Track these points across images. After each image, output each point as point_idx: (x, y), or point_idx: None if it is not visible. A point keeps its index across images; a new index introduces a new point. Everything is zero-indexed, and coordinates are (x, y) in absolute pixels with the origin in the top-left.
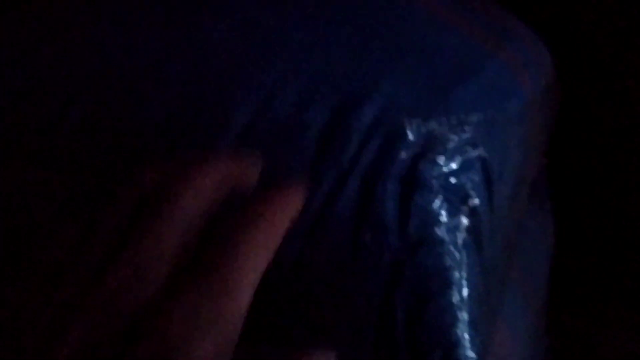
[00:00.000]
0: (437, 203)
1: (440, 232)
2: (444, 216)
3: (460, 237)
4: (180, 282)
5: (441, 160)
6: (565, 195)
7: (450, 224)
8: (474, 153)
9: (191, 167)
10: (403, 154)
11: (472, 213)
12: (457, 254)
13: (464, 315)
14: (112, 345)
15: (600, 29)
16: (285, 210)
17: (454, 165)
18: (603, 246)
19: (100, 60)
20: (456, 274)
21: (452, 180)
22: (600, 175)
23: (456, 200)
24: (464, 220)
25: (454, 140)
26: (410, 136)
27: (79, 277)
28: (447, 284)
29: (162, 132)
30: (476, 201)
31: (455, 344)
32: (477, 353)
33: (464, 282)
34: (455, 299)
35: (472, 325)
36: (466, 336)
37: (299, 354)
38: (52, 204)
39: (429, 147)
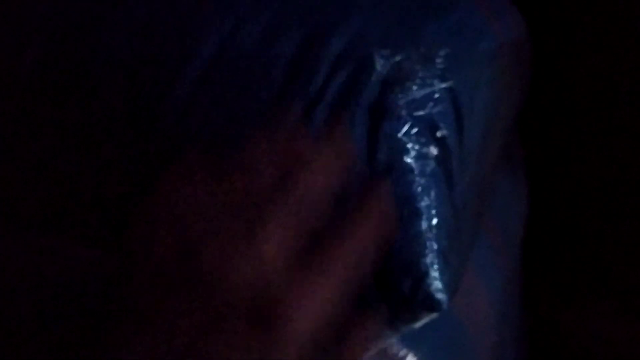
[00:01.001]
0: (405, 132)
1: (409, 160)
2: (412, 145)
3: (429, 165)
4: (303, 266)
5: (410, 90)
6: (537, 178)
7: (419, 152)
8: (443, 85)
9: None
10: (371, 84)
11: (441, 143)
12: (425, 183)
13: (433, 245)
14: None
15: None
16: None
17: (422, 96)
18: (574, 233)
19: None
20: (425, 203)
21: (421, 110)
22: (572, 158)
23: (425, 129)
24: (433, 150)
25: (423, 71)
26: (379, 67)
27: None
28: (417, 212)
29: (127, 63)
30: (445, 132)
31: (425, 273)
32: (445, 285)
33: (433, 212)
34: (424, 227)
35: (442, 256)
36: (435, 266)
37: None
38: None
39: (398, 77)
